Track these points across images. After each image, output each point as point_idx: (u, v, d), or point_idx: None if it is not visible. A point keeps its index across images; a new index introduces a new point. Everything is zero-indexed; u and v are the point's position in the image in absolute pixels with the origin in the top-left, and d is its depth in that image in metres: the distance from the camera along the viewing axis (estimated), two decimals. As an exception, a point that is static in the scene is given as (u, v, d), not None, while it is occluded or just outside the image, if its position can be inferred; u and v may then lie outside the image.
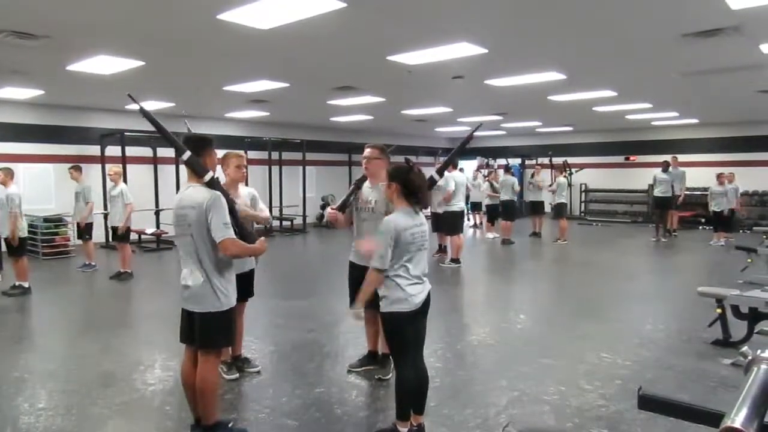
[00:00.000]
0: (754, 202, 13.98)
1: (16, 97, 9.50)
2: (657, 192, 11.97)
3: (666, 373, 4.09)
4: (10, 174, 6.93)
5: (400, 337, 2.96)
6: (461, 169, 14.75)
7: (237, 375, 3.98)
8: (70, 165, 8.48)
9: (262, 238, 3.12)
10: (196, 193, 2.89)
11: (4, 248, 7.38)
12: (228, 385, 3.85)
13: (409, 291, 2.88)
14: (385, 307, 2.92)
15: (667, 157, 12.35)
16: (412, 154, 16.44)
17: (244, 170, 3.95)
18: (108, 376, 4.06)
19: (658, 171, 12.00)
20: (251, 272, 4.01)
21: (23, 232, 6.83)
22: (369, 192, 3.86)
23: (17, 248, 6.78)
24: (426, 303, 2.97)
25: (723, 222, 11.45)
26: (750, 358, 1.31)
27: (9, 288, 6.78)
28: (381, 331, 3.27)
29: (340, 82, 8.33)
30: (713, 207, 11.51)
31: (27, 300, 6.58)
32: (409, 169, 2.96)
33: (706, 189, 14.34)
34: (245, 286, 3.89)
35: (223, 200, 2.88)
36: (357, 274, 3.84)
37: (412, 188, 2.91)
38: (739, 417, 1.02)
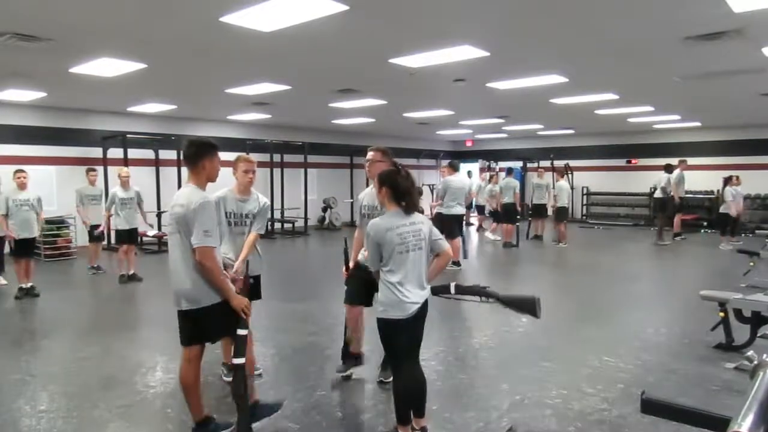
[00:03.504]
0: (756, 205, 13.95)
1: (19, 99, 9.53)
2: (656, 194, 12.09)
3: (668, 377, 4.07)
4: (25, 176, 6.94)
5: (396, 342, 2.95)
6: (469, 173, 14.85)
7: (238, 377, 3.97)
8: (88, 167, 8.53)
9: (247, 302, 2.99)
10: (189, 193, 2.91)
11: (7, 249, 7.40)
12: (229, 387, 3.83)
13: (404, 296, 2.85)
14: (380, 312, 2.91)
15: (669, 160, 12.38)
16: (414, 156, 16.47)
17: (252, 175, 3.88)
18: (109, 378, 4.05)
19: (662, 174, 12.03)
20: (258, 276, 3.99)
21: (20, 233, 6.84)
22: (374, 197, 3.83)
23: (24, 250, 6.79)
24: (423, 308, 2.94)
25: (731, 224, 11.34)
26: (756, 362, 1.30)
27: (18, 291, 6.76)
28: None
29: (342, 85, 8.34)
30: (723, 209, 11.29)
31: (30, 302, 6.59)
32: (397, 171, 2.98)
33: (708, 192, 14.37)
34: (253, 287, 3.88)
35: (210, 206, 2.87)
36: (363, 273, 3.82)
37: (399, 191, 2.92)
38: (746, 422, 1.02)
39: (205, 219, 2.81)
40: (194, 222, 2.80)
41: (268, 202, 4.17)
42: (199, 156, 2.95)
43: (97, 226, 8.16)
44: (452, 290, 3.26)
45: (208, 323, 2.93)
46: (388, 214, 2.94)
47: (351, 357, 4.08)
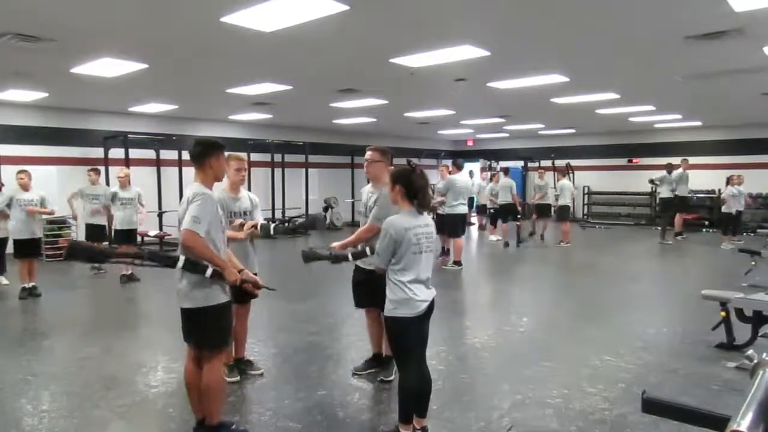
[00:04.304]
0: (757, 204, 13.93)
1: (21, 100, 9.54)
2: (662, 194, 12.08)
3: (669, 377, 4.07)
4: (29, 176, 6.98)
5: (404, 341, 2.96)
6: (470, 172, 14.86)
7: (238, 377, 3.98)
8: (89, 167, 8.54)
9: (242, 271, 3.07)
10: (190, 189, 2.96)
11: (9, 250, 7.40)
12: (231, 387, 3.84)
13: (414, 294, 2.86)
14: (389, 311, 2.92)
15: (670, 160, 12.38)
16: (415, 156, 16.48)
17: (244, 173, 3.97)
18: (110, 378, 4.06)
19: (663, 173, 12.04)
20: (254, 274, 4.01)
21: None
22: (371, 197, 3.87)
23: (27, 250, 6.80)
24: (430, 307, 2.97)
25: (732, 224, 11.32)
26: (756, 361, 1.30)
27: (21, 291, 6.76)
28: (385, 332, 3.27)
29: (343, 85, 8.34)
30: (726, 209, 11.22)
31: (31, 302, 6.60)
32: (411, 170, 2.97)
33: (710, 192, 14.37)
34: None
35: (209, 200, 2.89)
36: (361, 277, 3.85)
37: (414, 189, 2.92)
38: (745, 421, 1.02)
39: (198, 208, 2.81)
40: (188, 211, 2.81)
41: (257, 199, 4.23)
42: (205, 155, 2.98)
43: (100, 226, 8.18)
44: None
45: (193, 326, 2.95)
46: (403, 212, 2.95)
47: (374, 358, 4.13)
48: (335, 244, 3.79)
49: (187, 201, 2.86)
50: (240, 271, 3.08)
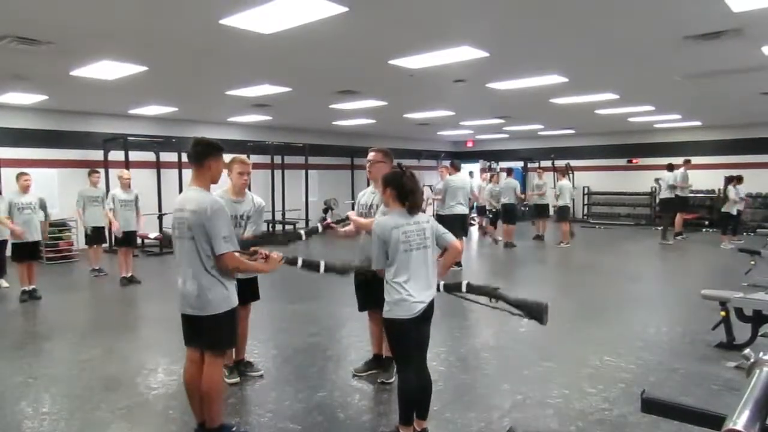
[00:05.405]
0: (757, 204, 13.93)
1: (20, 102, 9.55)
2: (662, 194, 12.12)
3: (669, 376, 4.08)
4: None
5: (403, 342, 2.97)
6: (470, 173, 14.86)
7: (238, 379, 3.98)
8: (89, 170, 8.57)
9: (271, 255, 3.12)
10: (198, 196, 2.89)
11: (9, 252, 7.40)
12: (231, 388, 3.85)
13: (409, 295, 2.87)
14: (386, 312, 2.92)
15: (671, 160, 12.38)
16: (415, 157, 16.49)
17: (246, 177, 3.90)
18: (111, 380, 4.06)
19: (664, 173, 12.05)
20: (255, 277, 4.01)
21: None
22: (373, 197, 3.88)
23: (26, 253, 6.80)
24: (429, 309, 2.97)
25: (732, 223, 11.34)
26: (752, 360, 1.31)
27: (22, 294, 6.76)
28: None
29: (342, 86, 8.35)
30: (725, 209, 11.29)
31: (31, 304, 6.60)
32: (402, 173, 3.00)
33: (709, 191, 14.38)
34: (250, 289, 3.90)
35: (225, 210, 2.91)
36: (363, 278, 3.85)
37: (404, 192, 2.95)
38: (741, 419, 1.03)
39: (222, 225, 2.83)
40: (211, 229, 2.80)
41: (264, 203, 4.18)
42: (205, 155, 2.96)
43: (100, 228, 8.19)
44: (464, 288, 3.27)
45: (203, 332, 2.95)
46: (392, 213, 2.97)
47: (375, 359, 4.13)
48: (353, 215, 3.83)
49: (203, 215, 2.80)
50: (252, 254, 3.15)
